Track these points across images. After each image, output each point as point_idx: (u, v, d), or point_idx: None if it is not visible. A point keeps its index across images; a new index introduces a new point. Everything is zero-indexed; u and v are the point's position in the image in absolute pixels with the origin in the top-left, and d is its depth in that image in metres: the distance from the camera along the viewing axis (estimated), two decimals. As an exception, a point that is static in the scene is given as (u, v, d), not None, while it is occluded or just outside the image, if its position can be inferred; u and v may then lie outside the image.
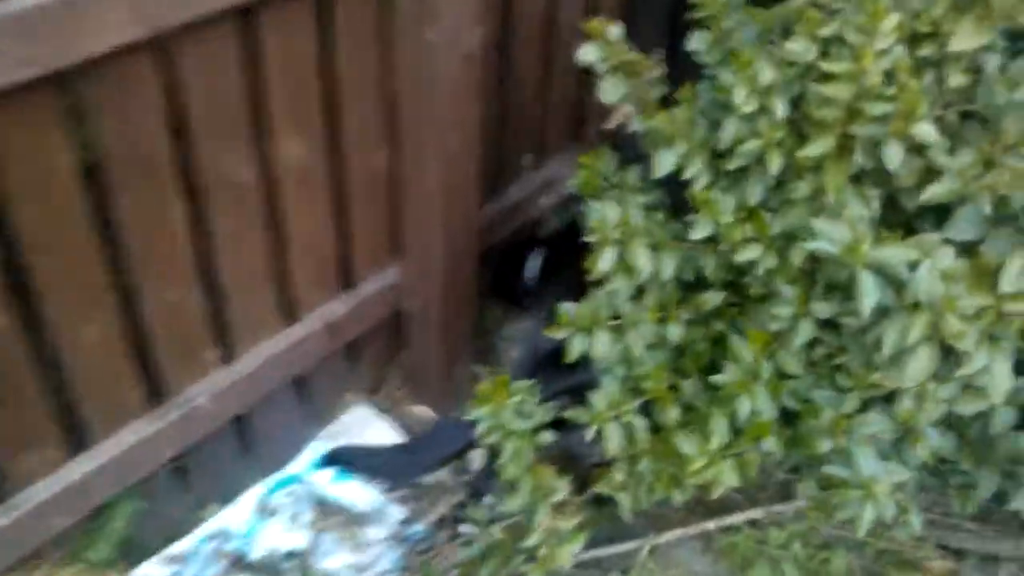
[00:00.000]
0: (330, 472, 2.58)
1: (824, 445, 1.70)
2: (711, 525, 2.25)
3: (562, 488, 1.85)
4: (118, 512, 2.16)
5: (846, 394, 1.73)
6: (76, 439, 1.97)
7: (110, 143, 1.66)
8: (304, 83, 1.96)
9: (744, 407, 1.68)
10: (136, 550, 2.27)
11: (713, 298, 1.80)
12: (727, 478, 1.71)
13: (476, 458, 2.63)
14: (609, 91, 1.73)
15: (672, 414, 1.78)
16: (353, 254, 2.38)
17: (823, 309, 1.60)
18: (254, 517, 2.47)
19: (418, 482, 2.56)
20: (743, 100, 1.51)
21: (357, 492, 2.54)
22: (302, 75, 1.95)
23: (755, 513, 2.25)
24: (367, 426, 2.68)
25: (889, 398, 1.69)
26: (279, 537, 2.42)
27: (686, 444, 1.74)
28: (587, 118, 2.98)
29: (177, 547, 2.34)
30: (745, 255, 1.63)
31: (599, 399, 1.79)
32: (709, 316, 1.84)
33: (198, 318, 2.06)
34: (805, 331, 1.62)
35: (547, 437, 1.80)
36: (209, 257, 2.01)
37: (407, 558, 2.39)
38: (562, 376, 2.21)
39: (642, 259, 1.67)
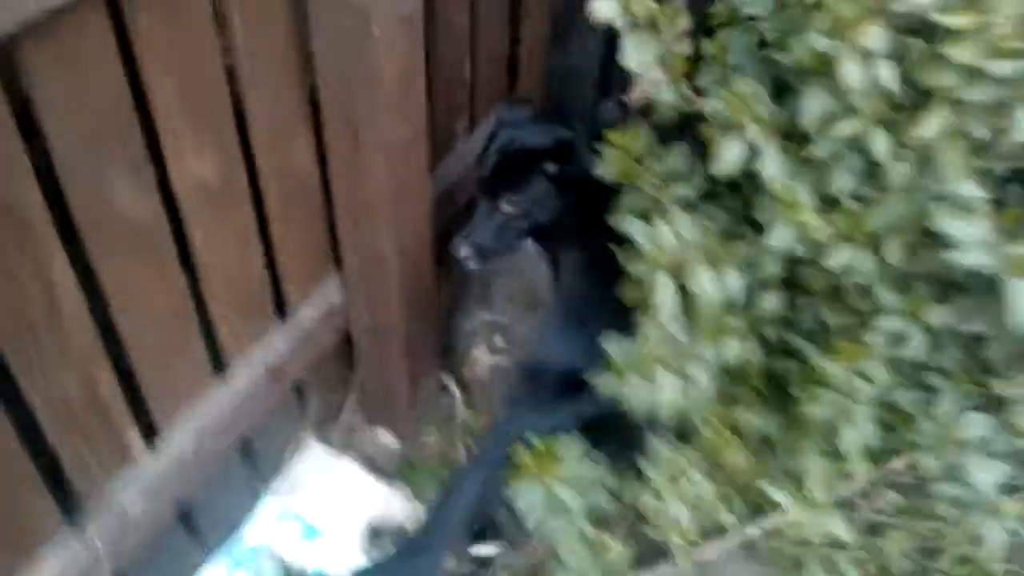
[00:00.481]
0: (294, 529, 2.16)
1: (931, 463, 1.41)
2: (755, 531, 1.96)
3: (619, 552, 1.50)
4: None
5: (937, 396, 1.44)
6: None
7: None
8: (196, 80, 1.46)
9: (850, 437, 1.37)
10: None
11: (772, 303, 1.45)
12: (836, 528, 1.41)
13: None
14: (634, 54, 1.32)
15: (739, 461, 1.45)
16: (284, 278, 1.91)
17: (938, 316, 1.28)
18: (213, 608, 2.03)
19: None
20: (848, 70, 1.13)
21: (333, 552, 2.13)
22: (192, 69, 1.44)
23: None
24: (324, 470, 2.25)
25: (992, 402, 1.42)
26: (250, 628, 1.99)
27: (778, 494, 1.43)
28: (518, 72, 2.53)
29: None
30: (838, 258, 1.28)
31: (656, 476, 1.44)
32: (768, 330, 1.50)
33: (107, 397, 1.57)
34: (918, 342, 1.30)
35: (600, 502, 1.44)
36: (107, 319, 1.52)
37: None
38: (566, 400, 1.86)
39: (707, 284, 1.29)
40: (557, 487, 1.35)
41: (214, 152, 1.55)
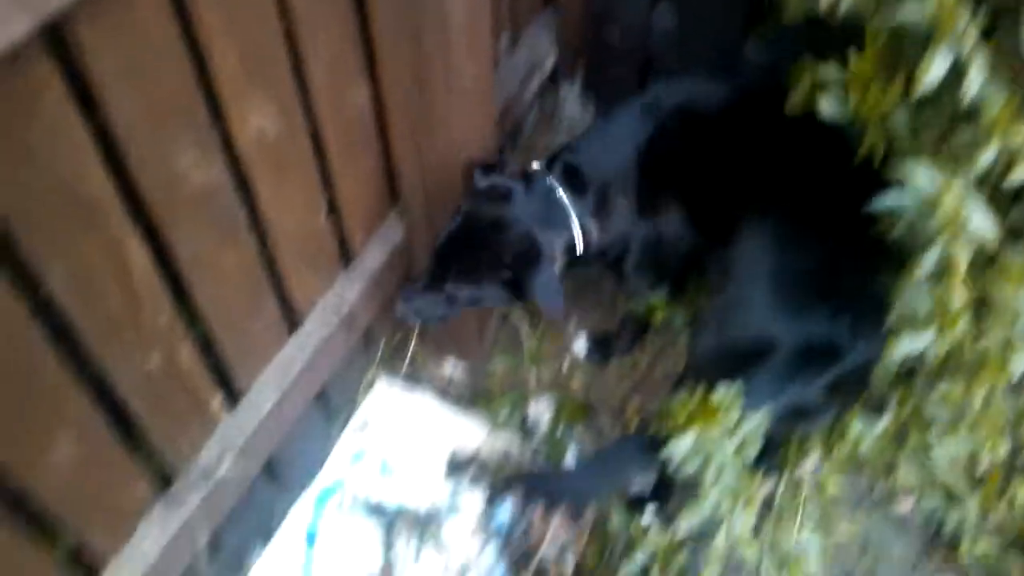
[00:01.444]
0: (372, 466, 2.14)
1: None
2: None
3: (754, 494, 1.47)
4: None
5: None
6: None
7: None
8: (254, 36, 1.34)
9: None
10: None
11: None
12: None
13: (542, 414, 2.23)
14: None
15: None
16: (346, 225, 1.82)
17: None
18: (305, 551, 2.03)
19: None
20: None
21: (415, 485, 2.12)
22: (250, 25, 1.32)
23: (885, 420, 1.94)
24: (396, 406, 2.22)
25: None
26: (344, 568, 2.00)
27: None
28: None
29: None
30: None
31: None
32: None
33: (189, 367, 1.53)
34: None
35: (751, 453, 1.39)
36: (181, 290, 1.46)
37: (505, 550, 2.02)
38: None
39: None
40: (712, 439, 1.30)
41: (275, 107, 1.44)
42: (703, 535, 1.66)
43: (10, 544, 1.29)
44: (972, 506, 1.99)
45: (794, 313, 1.56)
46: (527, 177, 1.86)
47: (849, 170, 1.53)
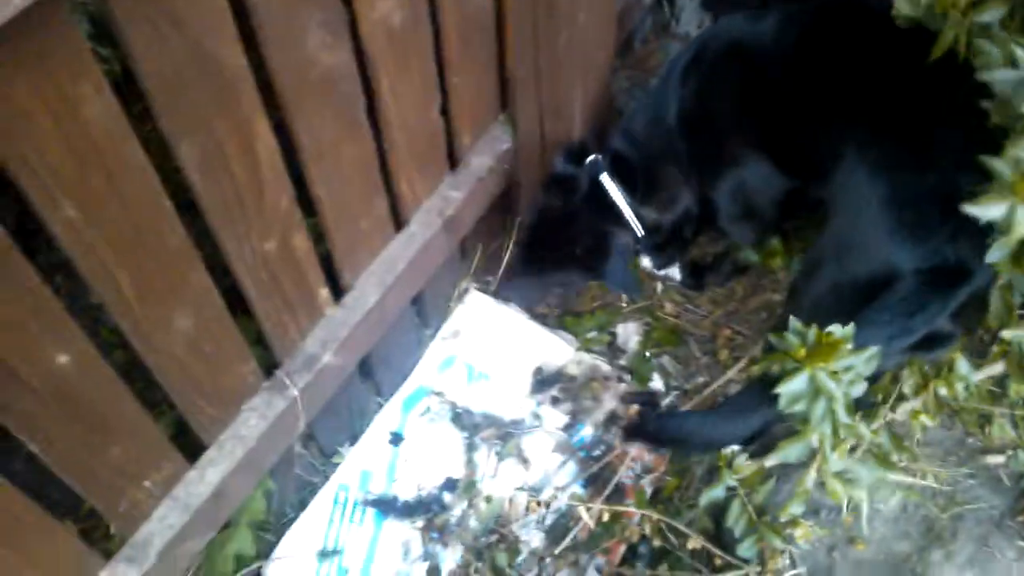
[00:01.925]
0: (460, 373, 2.17)
1: None
2: (943, 390, 1.89)
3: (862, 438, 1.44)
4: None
5: None
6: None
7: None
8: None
9: None
10: (273, 521, 1.92)
11: None
12: None
13: (630, 335, 2.22)
14: None
15: None
16: (456, 126, 1.81)
17: None
18: (391, 450, 2.08)
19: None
20: None
21: (500, 397, 2.14)
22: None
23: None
24: (486, 317, 2.23)
25: None
26: (427, 469, 2.04)
27: None
28: None
29: (311, 512, 1.98)
30: None
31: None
32: None
33: (302, 257, 1.55)
34: None
35: (859, 390, 1.36)
36: (300, 178, 1.48)
37: (585, 467, 2.04)
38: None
39: None
40: (825, 376, 1.27)
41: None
42: (789, 467, 1.65)
43: (123, 409, 1.33)
44: (1067, 467, 1.93)
45: (915, 237, 1.47)
46: (589, 167, 1.96)
47: (937, 73, 1.45)
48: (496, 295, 2.06)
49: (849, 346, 1.25)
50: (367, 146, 1.56)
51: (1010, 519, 1.95)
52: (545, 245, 1.99)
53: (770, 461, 1.48)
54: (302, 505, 1.98)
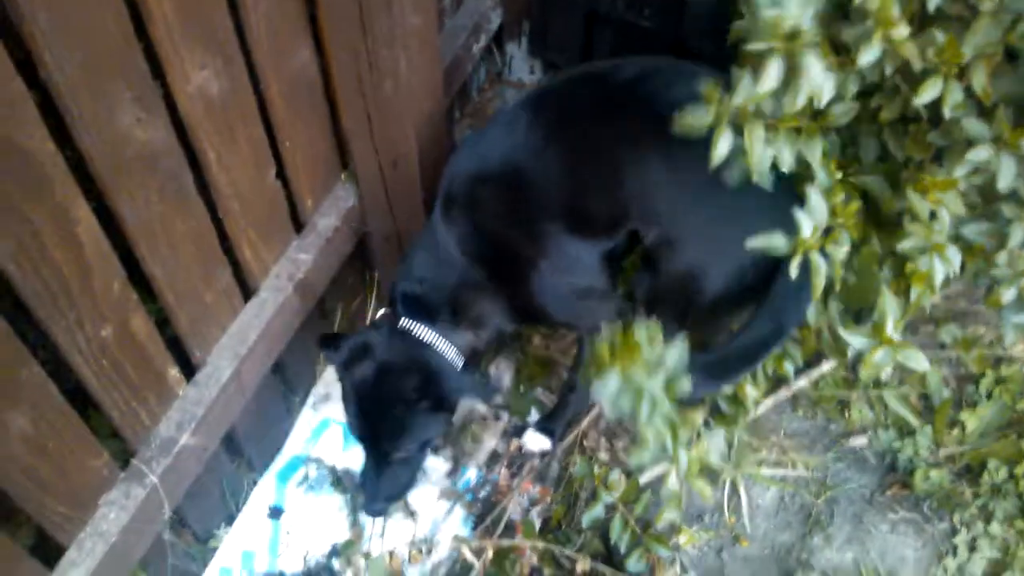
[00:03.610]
0: (335, 436, 2.13)
1: (1008, 294, 1.40)
2: (802, 382, 1.99)
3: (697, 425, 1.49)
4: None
5: (1008, 226, 1.41)
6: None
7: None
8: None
9: (938, 271, 1.35)
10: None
11: (846, 112, 1.39)
12: (914, 361, 1.41)
13: (503, 374, 2.23)
14: None
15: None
16: (297, 188, 1.80)
17: (1025, 141, 1.23)
18: (271, 525, 2.02)
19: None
20: None
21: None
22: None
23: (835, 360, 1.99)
24: (357, 373, 2.20)
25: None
26: (312, 539, 1.99)
27: (855, 336, 1.42)
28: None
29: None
30: (930, 92, 1.22)
31: (806, 223, 1.36)
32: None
33: (144, 339, 1.51)
34: (1009, 171, 1.26)
35: (684, 387, 1.40)
36: (132, 259, 1.44)
37: (473, 511, 2.03)
38: None
39: (818, 76, 1.21)
40: (638, 375, 1.31)
41: (216, 64, 1.41)
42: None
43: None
44: (924, 439, 2.05)
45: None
46: (376, 326, 1.86)
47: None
48: (372, 514, 1.91)
49: (657, 342, 1.29)
50: (201, 219, 1.54)
51: (880, 495, 2.05)
52: (378, 421, 1.77)
53: (630, 461, 1.51)
54: (182, 600, 1.90)
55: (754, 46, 1.21)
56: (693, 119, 1.32)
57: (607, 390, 1.34)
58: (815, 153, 1.37)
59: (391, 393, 1.74)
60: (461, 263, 1.75)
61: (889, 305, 1.39)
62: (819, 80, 1.22)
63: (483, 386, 1.89)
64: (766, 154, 1.34)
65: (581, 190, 1.67)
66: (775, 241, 1.38)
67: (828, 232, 1.40)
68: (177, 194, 1.46)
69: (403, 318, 1.79)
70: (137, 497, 1.57)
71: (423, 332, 1.77)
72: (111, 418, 1.52)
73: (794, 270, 1.38)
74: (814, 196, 1.36)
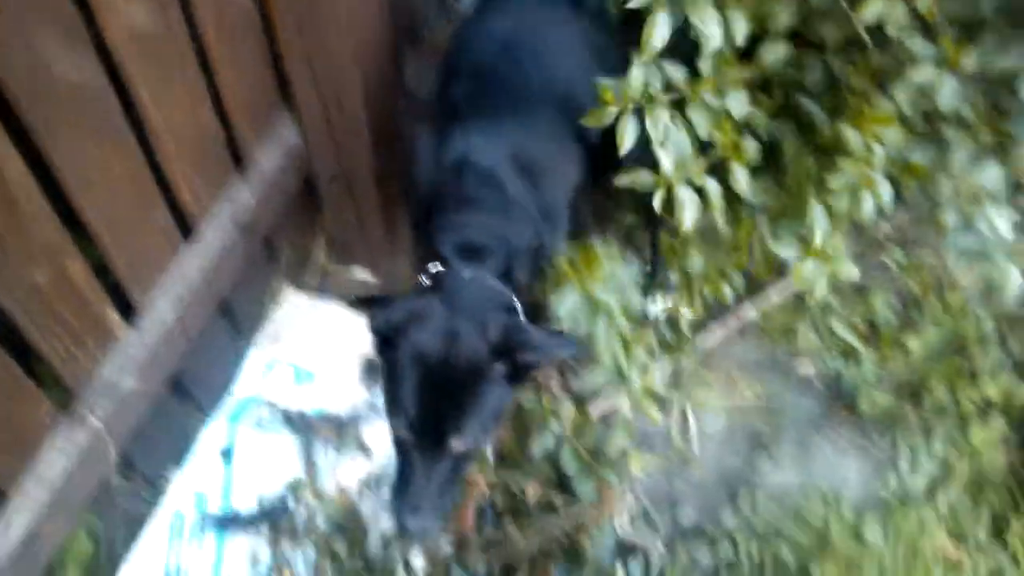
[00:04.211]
0: (286, 376, 2.12)
1: (950, 217, 1.42)
2: (749, 310, 2.01)
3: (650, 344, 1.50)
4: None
5: (950, 150, 1.43)
6: None
7: None
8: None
9: (867, 205, 1.36)
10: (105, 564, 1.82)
11: (775, 54, 1.38)
12: (845, 271, 1.43)
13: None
14: None
15: (741, 178, 1.41)
16: (237, 126, 1.75)
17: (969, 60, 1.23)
18: (223, 467, 2.01)
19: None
20: None
21: (331, 392, 2.10)
22: None
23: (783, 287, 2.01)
24: (305, 315, 2.19)
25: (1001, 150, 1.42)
26: (266, 479, 1.99)
27: (784, 247, 1.43)
28: None
29: (146, 543, 1.89)
30: (872, 9, 1.21)
31: (665, 159, 1.37)
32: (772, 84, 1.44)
33: (81, 283, 1.48)
34: (950, 91, 1.26)
35: (636, 301, 1.41)
36: (66, 201, 1.40)
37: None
38: None
39: (711, 24, 1.21)
40: (597, 289, 1.32)
41: (146, -2, 1.35)
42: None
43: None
44: (869, 363, 2.09)
45: None
46: (436, 283, 1.56)
47: None
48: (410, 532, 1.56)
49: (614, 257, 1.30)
50: (135, 160, 1.49)
51: (825, 418, 2.10)
52: (445, 398, 1.45)
53: (580, 388, 1.52)
54: (135, 539, 1.89)
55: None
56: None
57: (565, 305, 1.35)
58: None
59: (464, 362, 1.44)
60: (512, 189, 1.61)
61: (818, 217, 1.40)
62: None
63: (569, 340, 1.47)
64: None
65: None
66: (642, 178, 1.37)
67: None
68: (110, 134, 1.42)
69: (463, 269, 1.54)
70: (80, 442, 1.55)
71: (492, 283, 1.52)
72: (51, 364, 1.49)
73: (657, 205, 1.37)
74: (662, 123, 1.34)
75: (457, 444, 1.46)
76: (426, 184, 1.73)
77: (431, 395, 1.44)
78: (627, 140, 1.33)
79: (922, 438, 2.03)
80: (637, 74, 1.32)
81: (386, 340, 1.50)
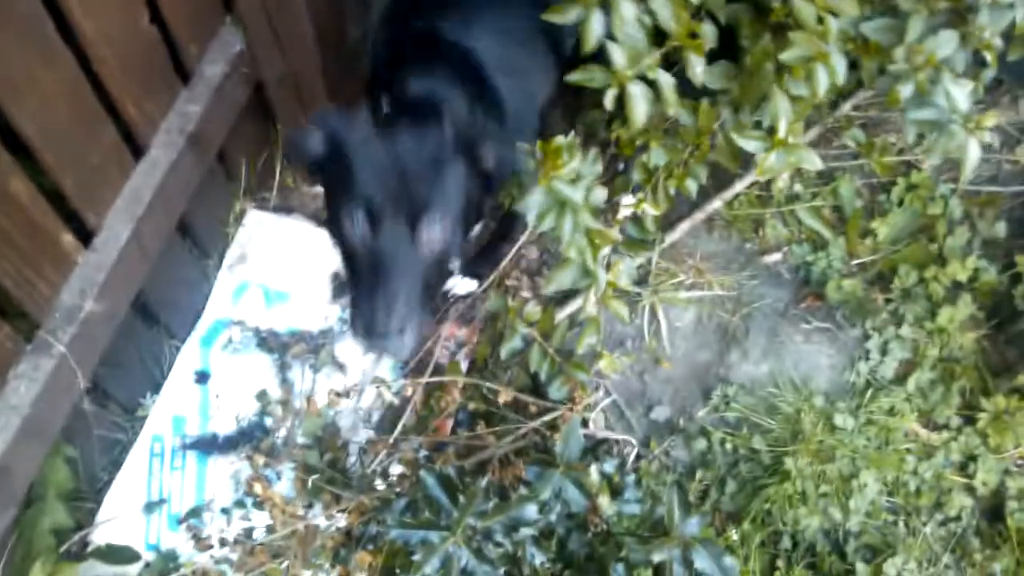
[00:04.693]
0: (256, 297, 2.10)
1: (906, 89, 1.39)
2: (716, 204, 1.99)
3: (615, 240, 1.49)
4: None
5: (906, 20, 1.39)
6: None
7: None
8: None
9: (821, 79, 1.33)
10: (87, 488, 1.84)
11: None
12: (807, 161, 1.41)
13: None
14: None
15: (697, 67, 1.38)
16: (177, 35, 1.69)
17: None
18: (199, 390, 2.01)
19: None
20: None
21: (303, 311, 2.10)
22: None
23: (749, 179, 1.99)
24: (270, 234, 2.16)
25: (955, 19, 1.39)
26: (242, 401, 1.99)
27: (746, 139, 1.41)
28: None
29: (127, 469, 1.90)
30: None
31: (617, 53, 1.33)
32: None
33: (29, 207, 1.43)
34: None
35: (599, 196, 1.39)
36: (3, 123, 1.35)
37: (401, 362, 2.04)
38: None
39: None
40: (562, 186, 1.29)
41: None
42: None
43: None
44: (836, 250, 2.09)
45: None
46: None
47: None
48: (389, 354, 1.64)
49: (573, 154, 1.27)
50: (69, 72, 1.44)
51: (794, 308, 2.11)
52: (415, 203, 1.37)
53: (546, 290, 1.51)
54: (116, 466, 1.90)
55: None
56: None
57: (533, 203, 1.33)
58: None
59: (425, 151, 1.38)
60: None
61: (781, 107, 1.38)
62: None
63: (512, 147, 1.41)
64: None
65: None
66: (595, 75, 1.33)
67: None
68: (40, 47, 1.36)
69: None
70: (46, 368, 1.54)
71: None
72: (7, 290, 1.47)
73: (609, 103, 1.34)
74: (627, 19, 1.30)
75: (429, 232, 1.37)
76: (384, 51, 1.69)
77: (393, 181, 1.35)
78: (592, 37, 1.29)
79: (892, 322, 2.04)
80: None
81: (331, 151, 1.41)
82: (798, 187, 2.09)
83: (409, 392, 1.83)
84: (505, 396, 1.70)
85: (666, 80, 1.39)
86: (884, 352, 2.04)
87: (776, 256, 2.13)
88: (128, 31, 1.54)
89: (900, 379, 2.02)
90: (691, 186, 1.73)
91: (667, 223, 2.03)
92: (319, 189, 2.25)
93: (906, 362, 2.04)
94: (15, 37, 1.30)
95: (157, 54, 1.65)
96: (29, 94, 1.36)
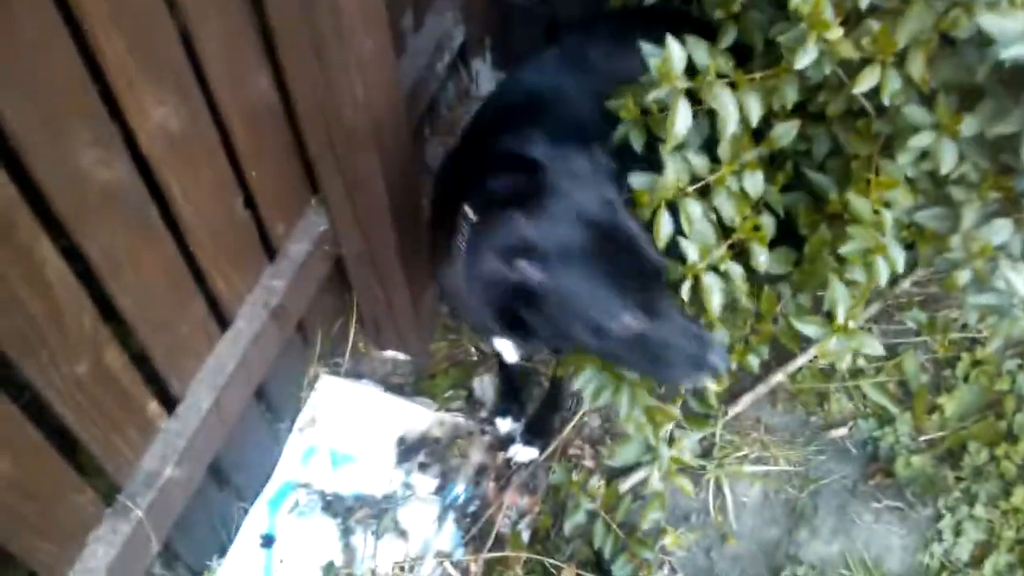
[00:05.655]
0: (323, 460, 2.15)
1: (964, 276, 1.42)
2: (779, 377, 2.00)
3: (675, 417, 1.51)
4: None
5: (959, 209, 1.44)
6: None
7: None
8: (144, 27, 1.33)
9: (881, 270, 1.37)
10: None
11: (787, 133, 1.42)
12: (868, 347, 1.43)
13: (487, 387, 2.25)
14: None
15: (761, 256, 1.44)
16: (267, 216, 1.82)
17: (967, 125, 1.26)
18: (264, 554, 2.03)
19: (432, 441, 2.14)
20: None
21: (368, 475, 2.13)
22: (139, 17, 1.32)
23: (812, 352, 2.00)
24: (340, 398, 2.23)
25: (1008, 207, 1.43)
26: (305, 565, 2.00)
27: (807, 325, 1.44)
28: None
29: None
30: (869, 80, 1.25)
31: (691, 249, 1.40)
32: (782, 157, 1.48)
33: (120, 375, 1.52)
34: (951, 155, 1.28)
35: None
36: (103, 297, 1.46)
37: (463, 526, 2.04)
38: None
39: (728, 105, 1.26)
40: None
41: (174, 99, 1.44)
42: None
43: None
44: (903, 426, 2.07)
45: None
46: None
47: None
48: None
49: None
50: (168, 252, 1.56)
51: (863, 484, 2.07)
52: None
53: (611, 462, 1.53)
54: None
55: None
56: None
57: (586, 382, 1.37)
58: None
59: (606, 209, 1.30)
60: None
61: (840, 294, 1.42)
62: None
63: None
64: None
65: None
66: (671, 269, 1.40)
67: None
68: (143, 229, 1.48)
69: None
70: (124, 532, 1.59)
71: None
72: (93, 454, 1.54)
73: (685, 293, 1.40)
74: (696, 218, 1.38)
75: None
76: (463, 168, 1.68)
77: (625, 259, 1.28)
78: (663, 236, 1.37)
79: (964, 502, 1.99)
80: (671, 168, 1.37)
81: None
82: (861, 361, 2.09)
83: (471, 568, 1.82)
84: (569, 574, 1.69)
85: (736, 271, 1.46)
86: (958, 533, 1.98)
87: (842, 431, 2.11)
88: (223, 215, 1.68)
89: (976, 562, 1.95)
90: (753, 362, 1.75)
91: (730, 395, 2.04)
92: (389, 354, 2.34)
93: (981, 544, 1.97)
94: (122, 221, 1.43)
95: (247, 234, 1.78)
96: (129, 271, 1.48)
